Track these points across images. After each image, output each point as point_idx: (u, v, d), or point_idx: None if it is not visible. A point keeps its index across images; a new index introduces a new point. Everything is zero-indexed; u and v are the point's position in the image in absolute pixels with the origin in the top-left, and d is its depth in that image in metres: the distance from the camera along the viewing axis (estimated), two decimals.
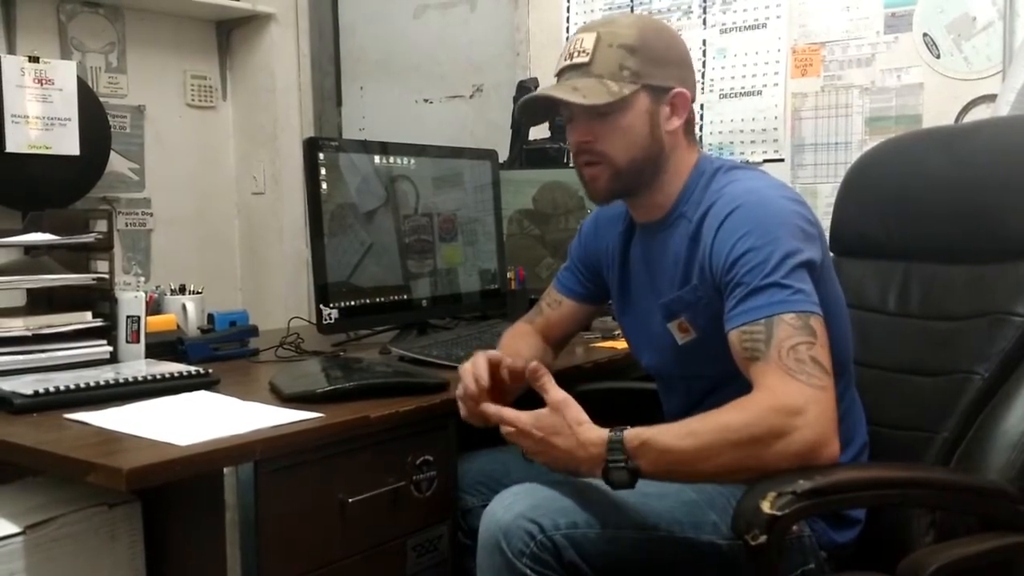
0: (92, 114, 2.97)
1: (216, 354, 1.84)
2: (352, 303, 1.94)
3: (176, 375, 1.54)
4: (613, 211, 1.58)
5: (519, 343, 1.63)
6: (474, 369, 1.39)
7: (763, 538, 1.06)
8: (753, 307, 1.23)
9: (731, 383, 1.26)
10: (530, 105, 1.46)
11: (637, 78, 1.37)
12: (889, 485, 1.22)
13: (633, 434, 1.19)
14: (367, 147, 2.05)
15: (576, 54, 1.38)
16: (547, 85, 1.45)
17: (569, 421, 1.23)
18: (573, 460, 1.24)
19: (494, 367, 1.40)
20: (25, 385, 1.42)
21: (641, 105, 1.38)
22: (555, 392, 1.26)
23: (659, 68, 1.39)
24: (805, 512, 1.12)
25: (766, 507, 1.07)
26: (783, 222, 1.28)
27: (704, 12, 2.68)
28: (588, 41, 1.38)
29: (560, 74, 1.41)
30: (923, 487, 1.24)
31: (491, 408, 1.32)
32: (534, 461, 1.29)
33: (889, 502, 1.33)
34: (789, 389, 1.17)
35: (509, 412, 1.29)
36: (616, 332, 2.01)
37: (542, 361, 1.38)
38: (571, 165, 2.56)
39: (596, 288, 1.66)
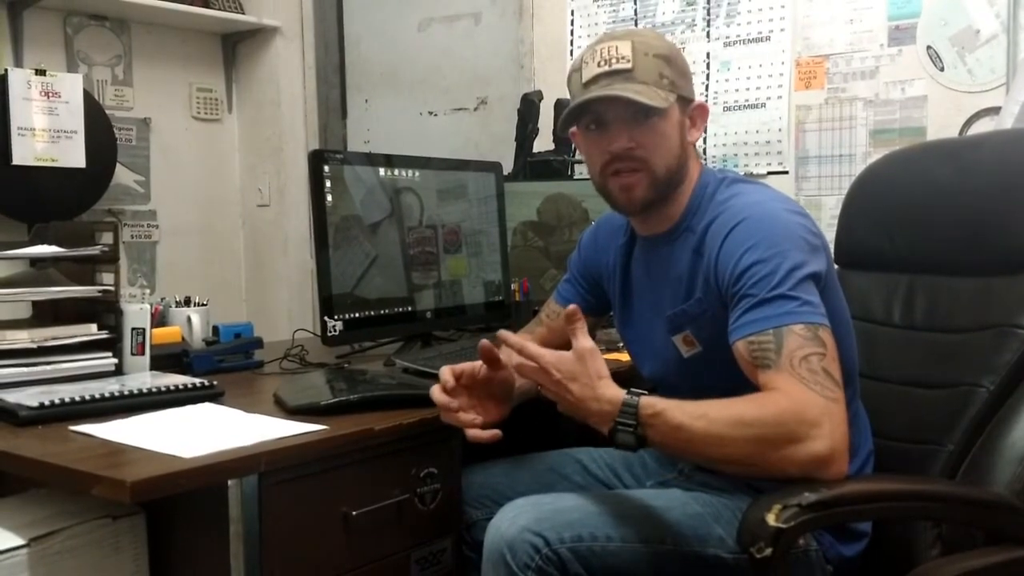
0: (98, 127, 2.99)
1: (221, 366, 1.84)
2: (356, 315, 1.94)
3: (181, 387, 1.54)
4: (613, 223, 1.58)
5: None
6: (441, 378, 1.38)
7: (768, 551, 1.05)
8: (760, 317, 1.23)
9: (736, 395, 1.25)
10: (580, 108, 1.39)
11: (674, 88, 1.38)
12: (895, 498, 1.22)
13: (648, 402, 1.19)
14: (372, 159, 2.05)
15: (615, 60, 1.37)
16: (559, 95, 1.44)
17: (591, 371, 1.23)
18: (584, 410, 1.23)
19: (458, 374, 1.39)
20: (30, 397, 1.42)
21: (675, 115, 1.40)
22: (584, 340, 1.24)
23: (685, 80, 1.41)
24: (811, 525, 1.12)
25: (771, 520, 1.06)
26: (788, 235, 1.29)
27: (708, 25, 2.69)
28: (624, 48, 1.37)
29: (595, 80, 1.38)
30: (929, 500, 1.24)
31: (513, 337, 1.30)
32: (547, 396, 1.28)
33: (895, 515, 1.33)
34: (806, 397, 1.16)
35: (532, 346, 1.27)
36: (621, 344, 2.01)
37: None
38: (575, 177, 2.57)
39: (596, 300, 1.66)
